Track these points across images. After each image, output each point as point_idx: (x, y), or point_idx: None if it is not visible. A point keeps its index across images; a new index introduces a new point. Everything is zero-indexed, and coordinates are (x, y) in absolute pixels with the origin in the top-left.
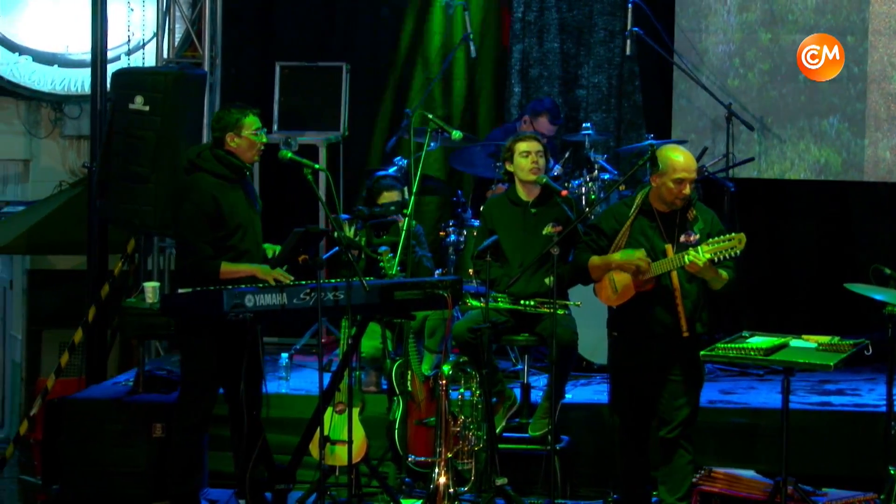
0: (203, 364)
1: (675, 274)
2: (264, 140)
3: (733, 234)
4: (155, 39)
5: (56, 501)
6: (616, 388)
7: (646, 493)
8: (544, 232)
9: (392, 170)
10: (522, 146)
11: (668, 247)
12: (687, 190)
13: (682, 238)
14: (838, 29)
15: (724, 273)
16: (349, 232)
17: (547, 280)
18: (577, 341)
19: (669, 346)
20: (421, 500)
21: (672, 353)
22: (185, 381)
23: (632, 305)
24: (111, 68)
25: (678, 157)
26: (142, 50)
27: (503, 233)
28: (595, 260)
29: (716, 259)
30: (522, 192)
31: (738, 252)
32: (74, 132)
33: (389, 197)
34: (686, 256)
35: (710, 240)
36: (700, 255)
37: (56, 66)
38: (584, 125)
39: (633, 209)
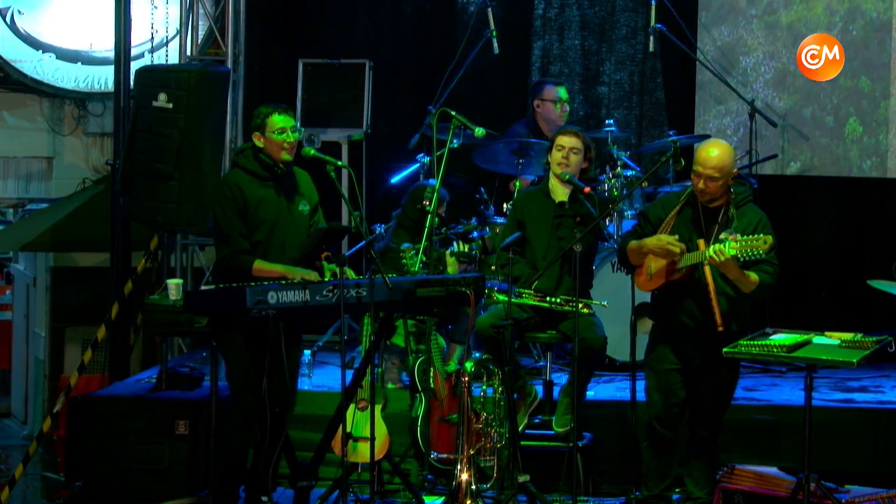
0: (238, 360)
1: (708, 269)
2: (290, 138)
3: (760, 235)
4: (178, 37)
5: (79, 498)
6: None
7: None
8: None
9: (415, 166)
10: (561, 139)
11: (701, 241)
12: (702, 185)
13: (722, 236)
14: (858, 27)
15: (753, 276)
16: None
17: (577, 247)
18: (605, 346)
19: (703, 342)
20: (443, 498)
21: (708, 348)
22: (227, 378)
23: (665, 296)
24: (135, 65)
25: (698, 150)
26: (165, 47)
27: (532, 226)
28: (633, 244)
29: (740, 257)
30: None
31: (761, 253)
32: (98, 129)
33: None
34: (707, 251)
35: (740, 237)
36: (726, 251)
37: (79, 63)
38: (606, 122)
39: (681, 199)
